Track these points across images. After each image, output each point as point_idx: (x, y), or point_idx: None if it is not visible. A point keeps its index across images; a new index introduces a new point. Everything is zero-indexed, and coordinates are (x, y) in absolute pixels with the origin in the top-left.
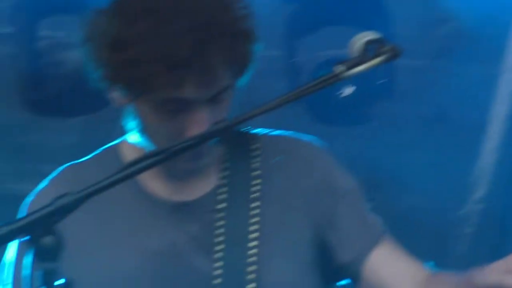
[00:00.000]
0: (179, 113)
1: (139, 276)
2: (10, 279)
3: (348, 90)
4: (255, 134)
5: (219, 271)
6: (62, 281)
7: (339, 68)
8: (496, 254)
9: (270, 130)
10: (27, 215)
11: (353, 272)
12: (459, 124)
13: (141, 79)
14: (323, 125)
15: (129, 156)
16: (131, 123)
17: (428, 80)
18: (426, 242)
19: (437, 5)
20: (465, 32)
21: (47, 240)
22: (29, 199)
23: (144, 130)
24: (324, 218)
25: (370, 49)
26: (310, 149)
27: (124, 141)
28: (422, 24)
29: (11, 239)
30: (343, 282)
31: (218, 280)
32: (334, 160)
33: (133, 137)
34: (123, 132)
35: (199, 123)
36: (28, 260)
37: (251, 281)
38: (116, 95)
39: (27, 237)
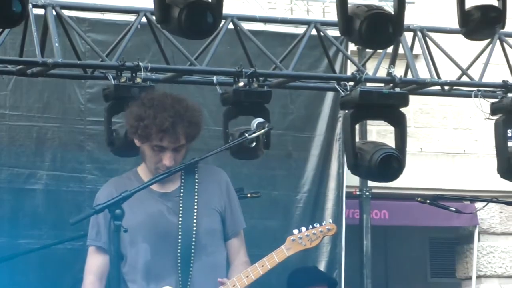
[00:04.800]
0: (160, 152)
1: (144, 225)
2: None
3: None
4: (197, 162)
5: (180, 223)
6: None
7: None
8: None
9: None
10: (108, 201)
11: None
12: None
13: (146, 135)
14: (228, 160)
15: (141, 173)
16: (141, 157)
17: None
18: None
19: None
20: None
21: (118, 212)
22: (98, 192)
23: (145, 160)
24: (224, 206)
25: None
26: (220, 172)
27: (139, 166)
28: None
29: (101, 211)
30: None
31: (180, 227)
32: (228, 179)
33: (142, 165)
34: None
35: (169, 158)
36: (110, 221)
37: (194, 227)
38: (136, 141)
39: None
